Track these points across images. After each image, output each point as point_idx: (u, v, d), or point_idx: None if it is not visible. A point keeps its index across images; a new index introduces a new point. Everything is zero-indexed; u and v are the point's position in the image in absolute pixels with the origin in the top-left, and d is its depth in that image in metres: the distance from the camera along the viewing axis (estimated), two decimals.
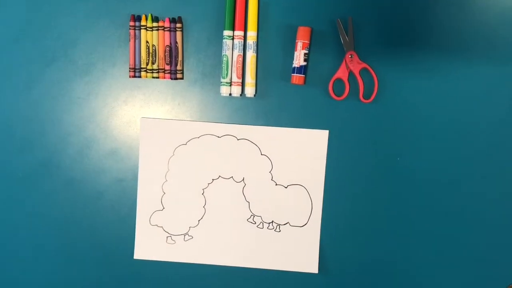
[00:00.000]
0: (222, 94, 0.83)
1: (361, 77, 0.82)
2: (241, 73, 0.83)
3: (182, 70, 0.84)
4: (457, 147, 0.83)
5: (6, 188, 0.86)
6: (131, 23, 0.82)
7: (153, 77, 0.83)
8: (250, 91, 0.83)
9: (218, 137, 0.84)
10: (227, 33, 0.82)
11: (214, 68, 0.84)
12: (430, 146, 0.83)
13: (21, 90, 0.85)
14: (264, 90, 0.84)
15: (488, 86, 0.82)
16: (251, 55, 0.82)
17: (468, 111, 0.83)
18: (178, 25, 0.82)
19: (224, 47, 0.82)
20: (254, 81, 0.83)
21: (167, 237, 0.85)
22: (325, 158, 0.83)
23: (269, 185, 0.84)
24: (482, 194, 0.83)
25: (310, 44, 0.82)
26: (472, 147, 0.83)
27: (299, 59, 0.81)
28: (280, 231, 0.84)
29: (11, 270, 0.87)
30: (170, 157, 0.84)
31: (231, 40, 0.82)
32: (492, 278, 0.84)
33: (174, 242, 0.85)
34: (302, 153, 0.83)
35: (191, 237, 0.85)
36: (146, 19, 0.82)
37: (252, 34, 0.82)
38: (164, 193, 0.85)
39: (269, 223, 0.85)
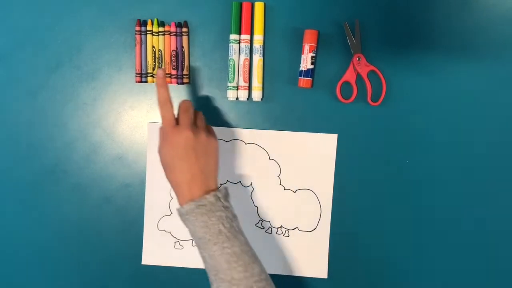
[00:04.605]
0: (229, 98, 0.83)
1: (369, 80, 0.81)
2: (248, 77, 0.82)
3: (189, 74, 0.83)
4: (466, 149, 0.83)
5: (13, 194, 0.85)
6: (137, 28, 0.82)
7: None
8: (257, 95, 0.82)
9: (226, 141, 0.84)
10: (233, 37, 0.81)
11: (221, 72, 0.83)
12: (439, 148, 0.83)
13: (26, 96, 0.84)
14: (271, 94, 0.83)
15: (498, 87, 0.82)
16: (257, 59, 0.82)
17: (477, 113, 0.82)
18: (184, 29, 0.82)
19: (231, 51, 0.81)
20: (261, 85, 0.82)
21: (175, 242, 0.85)
22: (334, 162, 0.83)
23: (277, 190, 0.84)
24: (494, 196, 0.83)
25: (317, 47, 0.82)
26: (482, 148, 0.82)
27: (306, 62, 0.81)
28: (289, 236, 0.84)
29: (18, 274, 0.86)
30: None
31: (238, 44, 0.82)
32: (505, 284, 0.84)
33: (182, 247, 0.85)
34: (311, 157, 0.83)
35: None
36: (152, 24, 0.82)
37: (258, 37, 0.81)
38: (172, 198, 0.84)
39: (278, 228, 0.84)
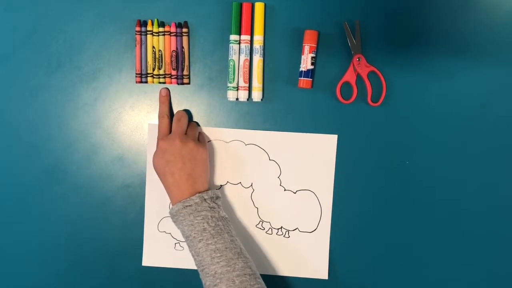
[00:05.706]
0: (229, 99, 0.83)
1: (369, 80, 0.81)
2: (248, 77, 0.82)
3: (189, 75, 0.83)
4: (467, 150, 0.82)
5: (13, 194, 0.85)
6: (137, 28, 0.82)
7: (159, 83, 0.83)
8: (257, 95, 0.82)
9: (226, 142, 0.84)
10: (233, 37, 0.81)
11: (221, 73, 0.83)
12: (439, 149, 0.83)
13: (27, 97, 0.84)
14: (271, 95, 0.83)
15: (499, 88, 0.82)
16: (258, 59, 0.82)
17: (478, 114, 0.82)
18: (184, 30, 0.82)
19: (231, 51, 0.81)
20: (261, 86, 0.82)
21: (175, 243, 0.85)
22: (334, 163, 0.83)
23: (277, 191, 0.84)
24: (494, 197, 0.83)
25: (317, 48, 0.82)
26: (483, 150, 0.82)
27: (306, 63, 0.81)
28: (289, 237, 0.84)
29: (18, 276, 0.86)
30: None
31: (238, 45, 0.82)
32: (506, 284, 0.84)
33: (182, 248, 0.85)
34: (311, 158, 0.83)
35: None
36: (152, 24, 0.82)
37: (258, 38, 0.81)
38: None
39: (278, 229, 0.84)
